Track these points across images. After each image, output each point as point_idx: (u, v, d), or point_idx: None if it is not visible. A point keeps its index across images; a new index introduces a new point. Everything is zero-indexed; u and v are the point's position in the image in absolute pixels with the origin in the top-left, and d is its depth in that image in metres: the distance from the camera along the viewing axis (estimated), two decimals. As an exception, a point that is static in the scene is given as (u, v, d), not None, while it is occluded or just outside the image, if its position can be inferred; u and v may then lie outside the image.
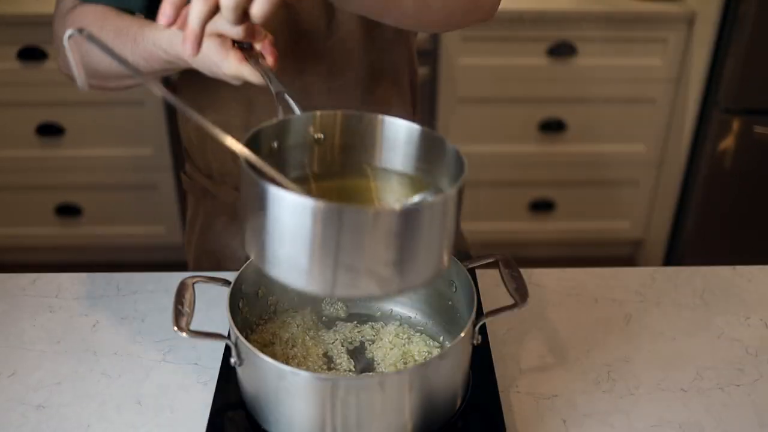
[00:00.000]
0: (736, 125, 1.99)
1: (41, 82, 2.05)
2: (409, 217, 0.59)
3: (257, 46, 0.77)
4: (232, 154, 1.03)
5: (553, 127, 2.20)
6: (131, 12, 0.91)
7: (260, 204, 0.59)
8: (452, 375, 0.73)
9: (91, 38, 0.60)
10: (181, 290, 0.75)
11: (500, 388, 0.81)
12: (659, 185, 2.29)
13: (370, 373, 0.79)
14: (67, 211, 2.27)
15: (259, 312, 0.84)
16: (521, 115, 2.18)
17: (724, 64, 1.96)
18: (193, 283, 0.77)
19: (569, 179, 2.29)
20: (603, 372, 0.86)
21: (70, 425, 0.78)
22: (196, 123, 0.63)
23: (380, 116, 0.72)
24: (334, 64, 0.98)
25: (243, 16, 0.67)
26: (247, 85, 0.95)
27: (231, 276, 0.79)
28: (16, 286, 0.99)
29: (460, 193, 0.64)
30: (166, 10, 0.66)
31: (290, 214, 0.58)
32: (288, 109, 0.71)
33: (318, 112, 0.71)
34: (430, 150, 0.70)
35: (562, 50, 2.07)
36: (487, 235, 2.32)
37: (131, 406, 0.81)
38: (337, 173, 0.74)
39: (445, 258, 0.66)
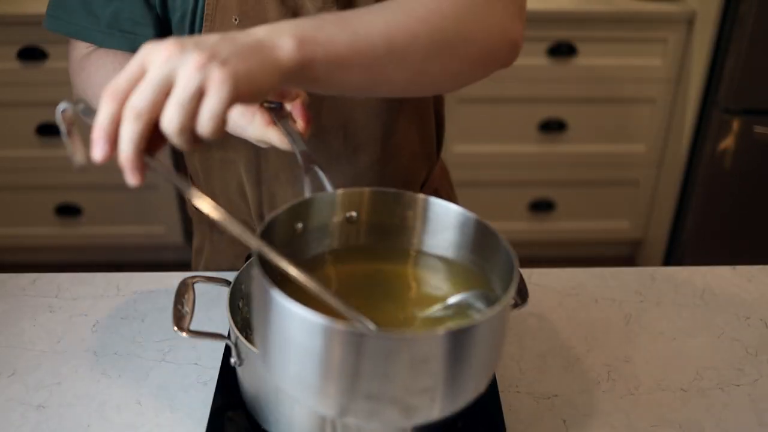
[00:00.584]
0: (736, 125, 1.99)
1: (41, 82, 2.06)
2: (452, 340, 0.49)
3: (288, 107, 0.70)
4: (240, 192, 0.97)
5: (553, 127, 2.20)
6: None
7: (267, 310, 0.52)
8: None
9: (88, 112, 0.53)
10: (181, 290, 0.75)
11: (500, 388, 0.81)
12: (659, 185, 2.29)
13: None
14: (67, 211, 2.27)
15: None
16: (521, 115, 2.18)
17: (724, 64, 1.96)
18: (193, 283, 0.77)
19: (569, 179, 2.29)
20: (603, 372, 0.86)
21: (70, 425, 0.78)
22: (211, 217, 0.53)
23: (422, 196, 0.64)
24: (352, 104, 0.91)
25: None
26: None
27: (231, 276, 0.79)
28: (16, 286, 0.99)
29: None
30: (97, 142, 0.52)
31: (298, 330, 0.50)
32: (315, 182, 0.64)
33: (344, 190, 0.63)
34: (479, 242, 0.63)
35: (562, 50, 2.07)
36: (487, 235, 2.32)
37: (131, 406, 0.81)
38: (368, 256, 0.66)
39: (490, 376, 0.57)
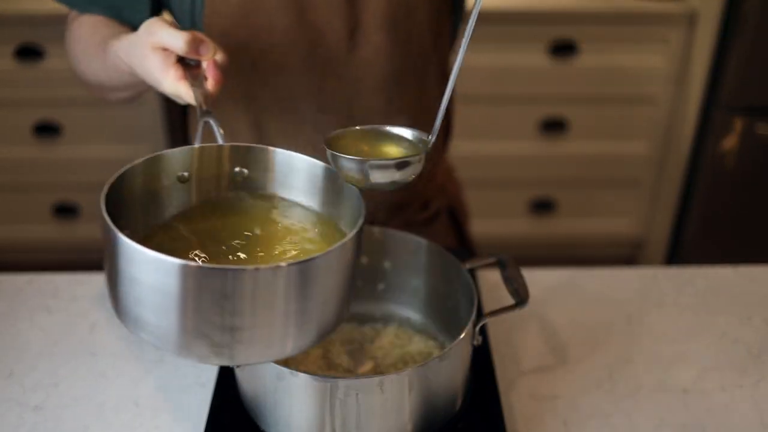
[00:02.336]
0: (738, 124, 1.99)
1: (38, 81, 2.05)
2: (257, 278, 0.53)
3: (204, 65, 0.73)
4: None
5: (553, 126, 2.19)
6: (133, 25, 0.89)
7: (108, 246, 0.56)
8: (453, 376, 0.72)
9: None
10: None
11: (501, 389, 0.80)
12: (660, 185, 2.29)
13: (370, 374, 0.79)
14: (65, 211, 2.26)
15: None
16: (521, 114, 2.18)
17: (726, 63, 1.96)
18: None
19: (570, 179, 2.28)
20: (604, 373, 0.85)
21: (68, 426, 0.78)
22: None
23: (271, 148, 0.68)
24: (356, 80, 0.92)
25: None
26: (256, 109, 0.93)
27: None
28: (13, 286, 0.99)
29: (359, 238, 0.59)
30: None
31: (129, 261, 0.54)
32: (211, 138, 0.68)
33: (198, 146, 0.67)
34: (331, 188, 0.67)
35: (562, 49, 2.07)
36: (487, 235, 2.31)
37: (129, 407, 0.80)
38: (223, 212, 0.69)
39: (341, 312, 0.60)
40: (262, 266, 0.54)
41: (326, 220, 0.69)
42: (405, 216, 1.03)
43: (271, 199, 0.70)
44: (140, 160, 0.64)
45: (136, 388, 0.83)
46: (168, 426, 0.78)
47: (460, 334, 0.70)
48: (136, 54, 0.73)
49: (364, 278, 0.88)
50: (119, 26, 0.89)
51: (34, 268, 1.09)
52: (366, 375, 0.79)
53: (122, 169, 0.62)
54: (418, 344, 0.83)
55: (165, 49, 0.71)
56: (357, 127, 0.69)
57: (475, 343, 0.75)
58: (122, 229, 0.54)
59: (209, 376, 0.84)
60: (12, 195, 2.25)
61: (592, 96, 2.17)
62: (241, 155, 0.69)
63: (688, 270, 1.03)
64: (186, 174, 0.67)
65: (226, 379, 0.79)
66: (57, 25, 2.02)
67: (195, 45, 0.70)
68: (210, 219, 0.68)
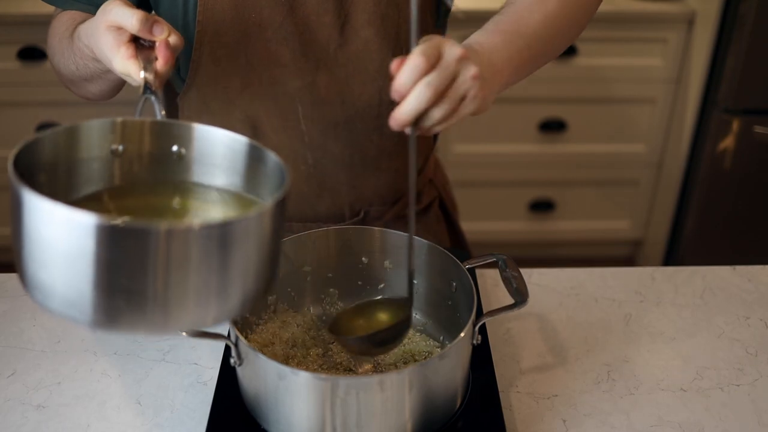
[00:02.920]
0: (736, 125, 1.99)
1: (41, 82, 2.05)
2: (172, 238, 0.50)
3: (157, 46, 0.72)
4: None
5: (553, 126, 2.20)
6: None
7: (17, 210, 0.52)
8: (452, 375, 0.73)
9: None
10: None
11: (500, 388, 0.81)
12: (659, 185, 2.29)
13: (370, 373, 0.79)
14: (67, 211, 2.27)
15: (258, 312, 0.84)
16: (521, 114, 2.18)
17: (724, 64, 1.96)
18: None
19: (569, 179, 2.29)
20: (603, 372, 0.86)
21: (70, 425, 0.78)
22: None
23: (194, 125, 0.66)
24: (347, 74, 0.94)
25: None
26: (252, 108, 0.94)
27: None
28: (16, 286, 0.99)
29: (281, 209, 0.56)
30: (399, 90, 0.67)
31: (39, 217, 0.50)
32: (150, 114, 0.67)
33: (120, 119, 0.64)
34: (253, 163, 0.65)
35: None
36: (487, 235, 2.32)
37: (131, 406, 0.81)
38: (142, 190, 0.65)
39: (260, 285, 0.58)
40: (176, 225, 0.51)
41: (247, 200, 0.66)
42: (397, 209, 1.05)
43: (192, 184, 0.67)
44: (60, 128, 0.61)
45: (138, 386, 0.83)
46: (169, 424, 0.78)
47: (459, 334, 0.71)
48: (93, 34, 0.74)
49: (364, 278, 0.88)
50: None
51: (36, 268, 1.09)
52: (366, 374, 0.79)
53: (38, 135, 0.59)
54: (418, 343, 0.83)
55: (119, 28, 0.71)
56: (350, 307, 0.78)
57: (475, 342, 0.75)
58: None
59: (211, 374, 0.84)
60: (13, 195, 2.25)
61: (591, 97, 2.17)
62: (164, 130, 0.66)
63: (686, 270, 1.03)
64: (120, 148, 0.64)
65: (228, 378, 0.80)
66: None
67: (148, 25, 0.70)
68: (132, 197, 0.65)
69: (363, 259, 0.87)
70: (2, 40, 2.00)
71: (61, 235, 0.50)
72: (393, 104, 0.94)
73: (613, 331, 0.92)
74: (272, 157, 0.62)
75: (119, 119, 0.64)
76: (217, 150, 0.66)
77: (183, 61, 0.94)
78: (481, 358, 0.82)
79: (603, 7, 0.95)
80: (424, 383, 0.69)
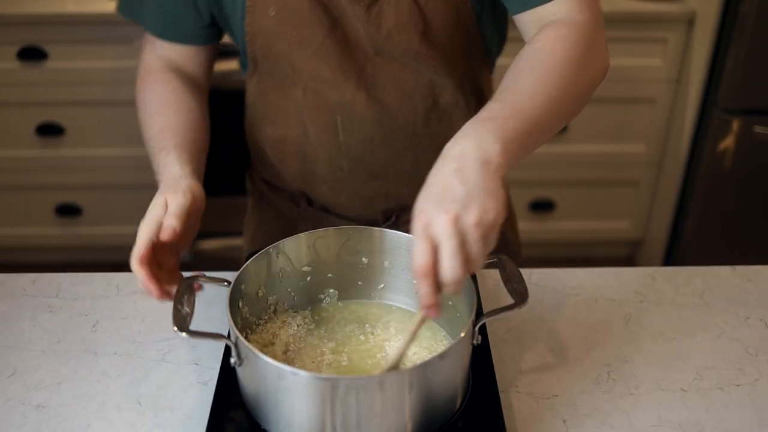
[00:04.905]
0: (735, 125, 1.99)
1: (41, 82, 2.05)
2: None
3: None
4: (290, 171, 1.09)
5: (553, 127, 2.19)
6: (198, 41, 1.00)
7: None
8: (452, 375, 0.73)
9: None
10: (181, 290, 0.75)
11: (500, 388, 0.81)
12: (659, 185, 2.29)
13: (370, 374, 0.79)
14: (67, 211, 2.27)
15: (258, 312, 0.84)
16: (521, 115, 2.18)
17: (724, 64, 1.96)
18: (193, 283, 0.77)
19: (569, 179, 2.29)
20: (603, 372, 0.86)
21: (70, 425, 0.78)
22: None
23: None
24: (385, 94, 0.97)
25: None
26: (299, 108, 0.99)
27: (231, 276, 0.79)
28: (16, 286, 0.99)
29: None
30: (431, 310, 0.66)
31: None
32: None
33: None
34: None
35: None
36: (487, 235, 2.32)
37: (131, 406, 0.81)
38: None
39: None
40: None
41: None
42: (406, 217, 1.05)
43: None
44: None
45: (138, 387, 0.83)
46: (170, 425, 0.78)
47: (459, 334, 0.71)
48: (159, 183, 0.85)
49: (364, 278, 0.88)
50: (176, 117, 0.94)
51: (36, 268, 1.09)
52: (366, 374, 0.79)
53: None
54: (426, 337, 0.83)
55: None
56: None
57: (475, 342, 0.75)
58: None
59: (211, 374, 0.84)
60: (15, 195, 2.26)
61: (591, 96, 2.16)
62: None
63: (686, 270, 1.03)
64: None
65: (228, 378, 0.80)
66: (60, 26, 2.03)
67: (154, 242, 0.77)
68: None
69: (363, 259, 0.87)
70: (2, 40, 2.00)
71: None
72: (429, 123, 0.98)
73: (613, 331, 0.92)
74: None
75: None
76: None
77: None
78: (481, 358, 0.82)
79: (603, 7, 0.95)
80: (424, 383, 0.69)
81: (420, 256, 0.64)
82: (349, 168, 1.02)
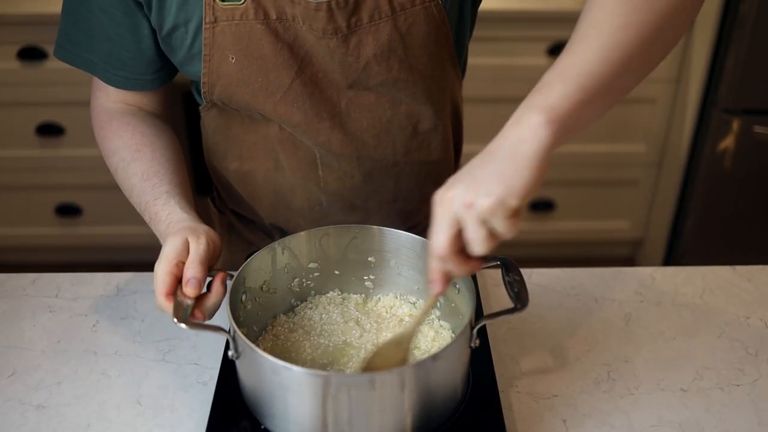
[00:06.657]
0: (735, 125, 1.99)
1: (41, 82, 2.05)
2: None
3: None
4: (261, 205, 1.03)
5: (553, 127, 2.19)
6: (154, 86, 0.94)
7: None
8: (450, 375, 0.73)
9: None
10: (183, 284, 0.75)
11: (500, 388, 0.81)
12: (659, 185, 2.29)
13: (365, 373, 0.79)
14: (67, 211, 2.27)
15: (267, 308, 0.85)
16: (521, 115, 2.18)
17: (724, 64, 1.96)
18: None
19: (569, 179, 2.28)
20: (603, 372, 0.86)
21: (70, 425, 0.78)
22: None
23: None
24: (361, 129, 0.91)
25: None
26: (272, 136, 0.92)
27: (233, 271, 0.79)
28: (16, 286, 0.99)
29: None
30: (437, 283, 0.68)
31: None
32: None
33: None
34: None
35: (562, 50, 2.07)
36: (487, 235, 2.32)
37: (131, 406, 0.81)
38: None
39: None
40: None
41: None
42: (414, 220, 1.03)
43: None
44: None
45: (138, 386, 0.83)
46: (170, 424, 0.78)
47: (460, 336, 0.71)
48: (161, 239, 0.82)
49: (370, 277, 0.89)
50: (155, 167, 0.90)
51: (36, 268, 1.09)
52: (359, 372, 0.79)
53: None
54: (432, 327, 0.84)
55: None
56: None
57: (473, 345, 0.75)
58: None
59: (211, 374, 0.84)
60: (15, 195, 2.26)
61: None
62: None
63: (686, 270, 1.03)
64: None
65: (228, 378, 0.80)
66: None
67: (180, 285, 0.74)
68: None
69: (369, 258, 0.87)
70: (2, 40, 2.00)
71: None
72: (409, 152, 0.95)
73: (613, 331, 0.92)
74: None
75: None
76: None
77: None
78: (481, 358, 0.83)
79: (603, 7, 0.94)
80: (418, 383, 0.69)
81: (436, 235, 0.66)
82: (328, 202, 0.97)
